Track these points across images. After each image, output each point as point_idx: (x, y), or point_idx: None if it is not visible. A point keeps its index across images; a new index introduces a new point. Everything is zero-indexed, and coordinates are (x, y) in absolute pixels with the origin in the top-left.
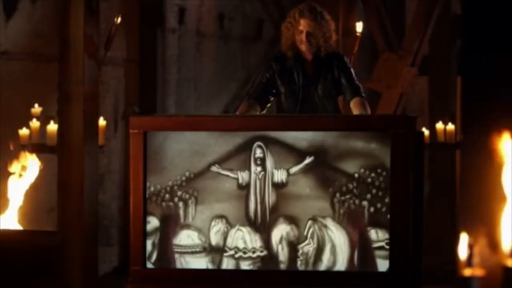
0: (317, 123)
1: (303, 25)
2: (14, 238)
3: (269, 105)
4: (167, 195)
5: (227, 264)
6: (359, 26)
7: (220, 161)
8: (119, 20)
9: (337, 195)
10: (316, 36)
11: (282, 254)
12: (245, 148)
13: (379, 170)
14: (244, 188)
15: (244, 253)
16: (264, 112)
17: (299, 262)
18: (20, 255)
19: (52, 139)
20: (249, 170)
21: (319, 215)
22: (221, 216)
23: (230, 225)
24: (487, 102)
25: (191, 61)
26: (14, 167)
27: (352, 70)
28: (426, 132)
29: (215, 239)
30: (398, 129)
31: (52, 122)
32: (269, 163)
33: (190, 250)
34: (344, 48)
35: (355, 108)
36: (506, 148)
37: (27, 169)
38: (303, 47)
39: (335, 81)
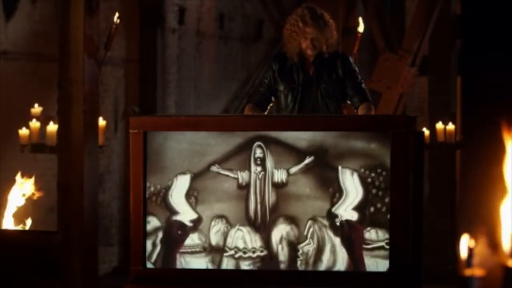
0: (317, 123)
1: (308, 33)
2: (14, 238)
3: (271, 104)
4: (167, 195)
5: (227, 264)
6: (360, 26)
7: (220, 161)
8: (118, 19)
9: (337, 195)
10: (320, 41)
11: (282, 254)
12: (245, 148)
13: (379, 170)
14: (244, 188)
15: (244, 253)
16: (266, 112)
17: (299, 262)
18: (20, 255)
19: (52, 139)
20: (249, 170)
21: (319, 215)
22: (221, 216)
23: (230, 225)
24: (487, 102)
25: (191, 61)
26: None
27: (357, 72)
28: (426, 132)
29: (215, 239)
30: (398, 129)
31: (52, 122)
32: (269, 163)
33: (190, 250)
34: (344, 48)
35: (362, 112)
36: (507, 146)
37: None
38: (309, 52)
39: (339, 81)
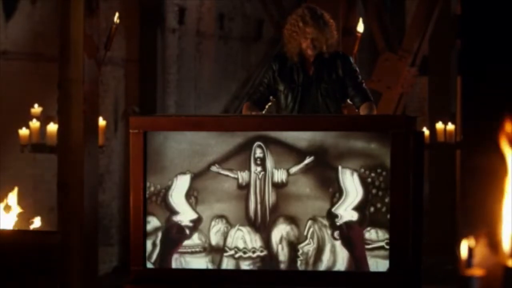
0: (317, 123)
1: (308, 33)
2: (14, 238)
3: (269, 104)
4: (167, 195)
5: (227, 264)
6: (360, 26)
7: (220, 161)
8: (118, 19)
9: (337, 195)
10: (321, 41)
11: (282, 254)
12: (245, 148)
13: (379, 170)
14: (244, 188)
15: (244, 253)
16: (264, 112)
17: (299, 262)
18: (20, 255)
19: (52, 139)
20: (249, 170)
21: (319, 215)
22: (221, 216)
23: (230, 225)
24: (487, 102)
25: (191, 61)
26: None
27: (358, 72)
28: (426, 132)
29: (215, 239)
30: (398, 129)
31: (52, 122)
32: (269, 163)
33: (190, 250)
34: (344, 48)
35: (363, 112)
36: (507, 147)
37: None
38: (309, 52)
39: (340, 81)
